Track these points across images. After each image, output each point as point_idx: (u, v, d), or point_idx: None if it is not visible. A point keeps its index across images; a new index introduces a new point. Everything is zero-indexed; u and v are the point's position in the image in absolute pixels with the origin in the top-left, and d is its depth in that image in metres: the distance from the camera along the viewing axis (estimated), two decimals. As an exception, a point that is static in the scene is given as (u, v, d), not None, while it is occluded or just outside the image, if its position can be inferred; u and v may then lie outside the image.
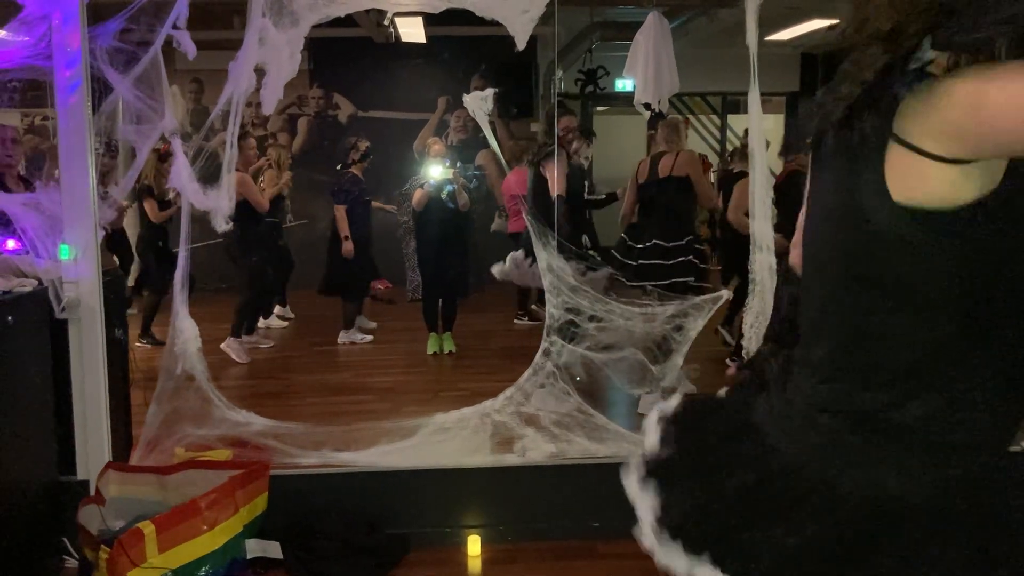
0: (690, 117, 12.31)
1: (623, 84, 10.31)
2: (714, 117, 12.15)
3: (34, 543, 3.46)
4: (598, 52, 10.02)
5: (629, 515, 4.00)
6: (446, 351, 7.13)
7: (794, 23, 9.44)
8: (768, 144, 4.42)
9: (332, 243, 7.47)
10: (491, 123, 10.51)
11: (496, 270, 5.63)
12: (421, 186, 6.99)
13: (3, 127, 4.62)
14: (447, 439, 3.85)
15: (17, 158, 4.60)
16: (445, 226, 6.99)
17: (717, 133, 12.25)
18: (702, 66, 9.50)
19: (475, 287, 8.49)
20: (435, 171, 6.88)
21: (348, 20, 5.65)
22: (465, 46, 9.82)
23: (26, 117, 9.65)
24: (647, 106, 5.46)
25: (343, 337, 7.55)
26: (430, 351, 7.13)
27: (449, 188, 6.86)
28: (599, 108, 11.97)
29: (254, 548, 3.54)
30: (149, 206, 7.18)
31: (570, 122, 5.85)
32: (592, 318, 3.92)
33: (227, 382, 4.46)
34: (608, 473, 3.78)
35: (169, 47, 3.63)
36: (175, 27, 3.52)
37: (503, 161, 4.85)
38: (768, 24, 9.39)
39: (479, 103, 3.94)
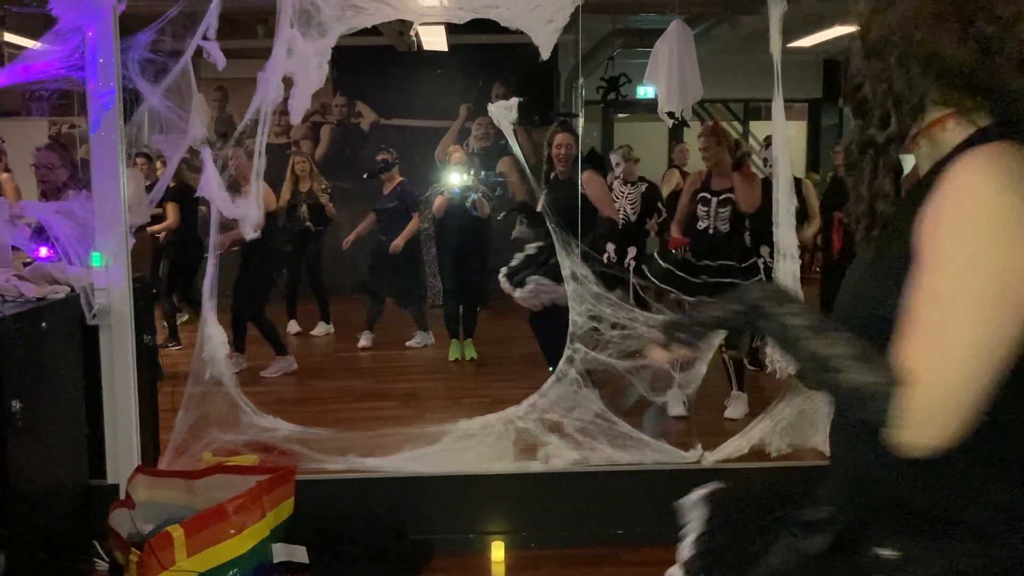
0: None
1: (644, 91, 10.31)
2: (736, 124, 12.13)
3: (65, 546, 3.52)
4: (620, 59, 10.03)
5: (652, 523, 4.01)
6: (467, 358, 7.16)
7: (816, 30, 9.41)
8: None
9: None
10: (513, 131, 10.57)
11: (517, 294, 5.53)
12: (441, 193, 7.04)
13: (47, 153, 4.67)
14: (471, 445, 3.87)
15: (57, 181, 4.66)
16: (466, 233, 7.03)
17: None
18: (724, 73, 9.48)
19: (495, 294, 8.51)
20: (455, 179, 6.93)
21: (371, 29, 5.67)
22: (486, 54, 9.86)
23: (53, 125, 9.78)
24: (671, 115, 5.46)
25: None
26: (451, 357, 7.16)
27: (473, 196, 6.90)
28: (620, 115, 11.98)
29: (280, 552, 3.57)
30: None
31: (566, 139, 5.72)
32: (615, 325, 3.93)
33: (251, 388, 4.50)
34: (632, 481, 3.83)
35: (195, 56, 3.69)
36: (205, 38, 3.58)
37: (527, 170, 4.86)
38: (790, 31, 9.33)
39: (504, 112, 3.96)
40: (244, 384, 4.13)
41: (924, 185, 1.25)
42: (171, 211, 7.27)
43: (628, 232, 6.70)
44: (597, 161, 5.97)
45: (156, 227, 7.25)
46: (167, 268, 7.61)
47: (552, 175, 5.70)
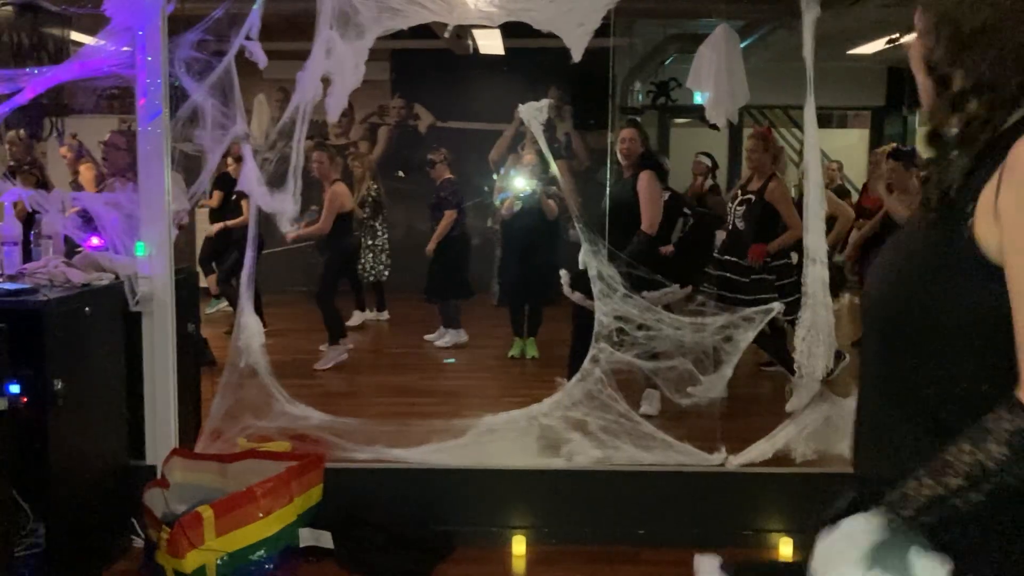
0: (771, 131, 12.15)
1: (702, 96, 10.24)
2: (796, 131, 11.98)
3: (103, 522, 3.68)
4: (676, 64, 10.00)
5: (674, 524, 4.02)
6: (528, 356, 7.27)
7: (880, 36, 9.27)
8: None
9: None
10: (567, 134, 10.60)
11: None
12: (508, 196, 7.17)
13: (116, 135, 4.97)
14: (495, 440, 3.93)
15: (120, 162, 4.95)
16: (530, 234, 7.14)
17: (798, 146, 12.06)
18: (782, 79, 9.38)
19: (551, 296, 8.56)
20: (520, 182, 7.07)
21: (428, 32, 5.78)
22: (542, 58, 9.90)
23: (123, 123, 10.14)
24: (713, 127, 5.46)
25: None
26: (511, 354, 7.30)
27: (504, 196, 7.06)
28: (677, 120, 11.92)
29: (307, 537, 3.69)
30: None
31: (629, 133, 5.62)
32: (641, 326, 3.96)
33: (295, 380, 4.64)
34: (654, 481, 3.85)
35: (247, 57, 3.84)
36: (248, 38, 3.72)
37: (557, 173, 4.87)
38: (854, 38, 9.23)
39: (534, 112, 4.02)
40: (286, 376, 4.25)
41: (980, 164, 1.26)
42: (245, 207, 7.51)
43: None
44: (656, 163, 5.74)
45: (232, 222, 7.53)
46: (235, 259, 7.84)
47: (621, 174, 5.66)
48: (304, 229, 6.76)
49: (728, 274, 5.59)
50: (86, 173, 7.28)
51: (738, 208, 5.72)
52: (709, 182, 9.00)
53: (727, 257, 5.72)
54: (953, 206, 1.26)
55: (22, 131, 5.19)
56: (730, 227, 5.80)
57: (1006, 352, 1.19)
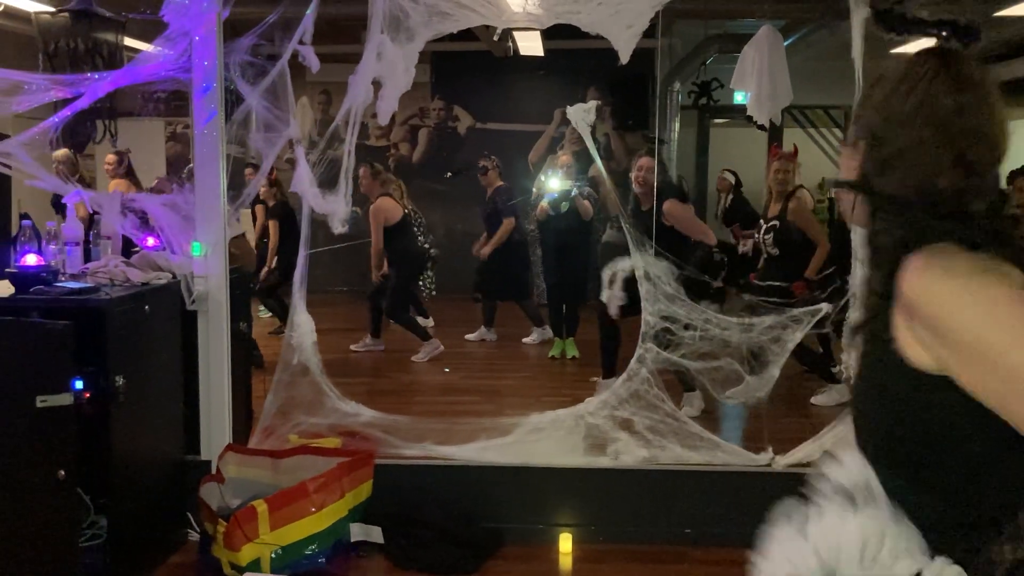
0: (812, 131, 12.09)
1: (744, 96, 10.19)
2: (836, 131, 11.89)
3: (161, 515, 3.77)
4: (717, 64, 9.98)
5: (721, 523, 4.03)
6: (569, 356, 7.30)
7: (920, 36, 9.16)
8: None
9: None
10: (605, 135, 10.62)
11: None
12: (553, 198, 7.20)
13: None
14: (542, 438, 3.97)
15: None
16: (567, 235, 7.19)
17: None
18: (824, 79, 9.34)
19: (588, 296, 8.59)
20: (557, 183, 7.11)
21: (468, 34, 5.82)
22: (582, 59, 9.94)
23: (169, 125, 10.33)
24: (761, 127, 5.48)
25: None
26: (551, 354, 7.34)
27: (574, 191, 7.07)
28: (717, 121, 11.88)
29: (358, 532, 3.75)
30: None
31: (648, 163, 5.66)
32: (688, 327, 3.98)
33: (343, 378, 4.72)
34: (701, 481, 3.86)
35: (298, 61, 3.91)
36: (301, 42, 3.79)
37: (604, 173, 4.92)
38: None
39: (582, 114, 4.05)
40: (333, 374, 4.32)
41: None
42: (272, 228, 7.65)
43: None
44: (678, 190, 5.93)
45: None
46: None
47: (635, 207, 5.63)
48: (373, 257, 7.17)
49: (772, 298, 5.57)
50: (116, 187, 7.32)
51: (766, 237, 5.87)
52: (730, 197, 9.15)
53: (769, 283, 5.81)
54: (875, 329, 1.30)
55: (72, 152, 5.23)
56: (765, 255, 5.96)
57: (991, 456, 1.21)
